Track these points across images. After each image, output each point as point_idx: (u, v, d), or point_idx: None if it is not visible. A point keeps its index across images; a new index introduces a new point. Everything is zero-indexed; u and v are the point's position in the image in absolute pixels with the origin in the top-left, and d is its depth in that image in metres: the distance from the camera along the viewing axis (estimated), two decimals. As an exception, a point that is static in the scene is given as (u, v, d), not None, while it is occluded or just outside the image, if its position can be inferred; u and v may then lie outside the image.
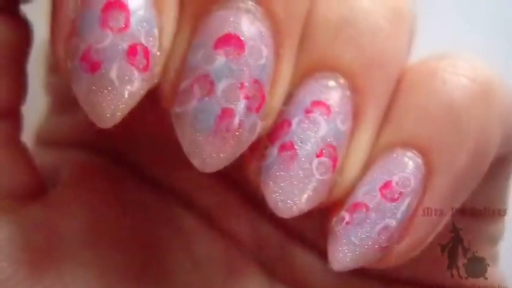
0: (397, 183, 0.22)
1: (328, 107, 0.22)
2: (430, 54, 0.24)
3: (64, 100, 0.30)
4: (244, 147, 0.21)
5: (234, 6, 0.21)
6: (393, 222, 0.22)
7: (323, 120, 0.22)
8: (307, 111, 0.22)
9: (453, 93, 0.23)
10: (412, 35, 0.24)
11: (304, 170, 0.22)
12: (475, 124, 0.23)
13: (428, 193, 0.23)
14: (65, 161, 0.28)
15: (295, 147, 0.22)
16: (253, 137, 0.21)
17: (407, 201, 0.22)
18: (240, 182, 0.28)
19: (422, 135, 0.23)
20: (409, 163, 0.22)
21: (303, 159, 0.22)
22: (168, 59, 0.21)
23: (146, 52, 0.20)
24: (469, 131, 0.22)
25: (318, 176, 0.22)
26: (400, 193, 0.22)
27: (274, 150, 0.22)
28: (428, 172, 0.22)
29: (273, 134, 0.22)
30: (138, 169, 0.29)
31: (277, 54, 0.21)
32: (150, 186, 0.29)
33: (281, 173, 0.22)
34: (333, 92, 0.22)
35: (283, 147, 0.22)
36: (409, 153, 0.23)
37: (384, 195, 0.22)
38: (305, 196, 0.22)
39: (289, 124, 0.22)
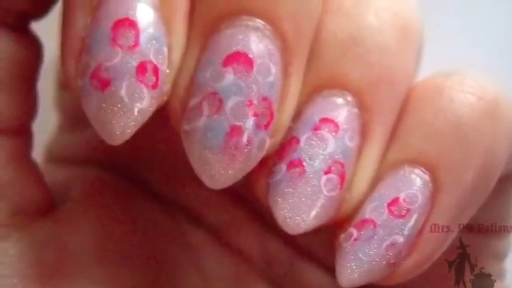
0: (404, 200, 0.22)
1: (336, 124, 0.22)
2: (437, 72, 0.24)
3: (74, 117, 0.30)
4: (253, 164, 0.21)
5: (243, 24, 0.21)
6: (401, 239, 0.22)
7: (331, 137, 0.22)
8: (316, 128, 0.22)
9: (460, 111, 0.23)
10: (419, 52, 0.24)
11: (312, 187, 0.22)
12: (482, 142, 0.23)
13: (436, 210, 0.23)
14: (75, 177, 0.29)
15: (304, 164, 0.22)
16: (262, 154, 0.21)
17: (414, 217, 0.22)
18: (249, 198, 0.28)
19: (430, 152, 0.23)
20: (416, 180, 0.23)
21: (311, 176, 0.22)
22: (177, 76, 0.21)
23: (155, 70, 0.20)
24: (476, 148, 0.23)
25: (326, 193, 0.22)
26: (408, 210, 0.22)
27: (282, 167, 0.22)
28: (435, 189, 0.23)
29: (281, 151, 0.22)
30: (148, 186, 0.29)
31: (285, 72, 0.21)
32: (159, 202, 0.29)
33: (289, 189, 0.22)
34: (340, 109, 0.22)
35: (291, 164, 0.22)
36: (417, 170, 0.23)
37: (391, 212, 0.22)
38: (313, 213, 0.22)
39: (298, 141, 0.22)
